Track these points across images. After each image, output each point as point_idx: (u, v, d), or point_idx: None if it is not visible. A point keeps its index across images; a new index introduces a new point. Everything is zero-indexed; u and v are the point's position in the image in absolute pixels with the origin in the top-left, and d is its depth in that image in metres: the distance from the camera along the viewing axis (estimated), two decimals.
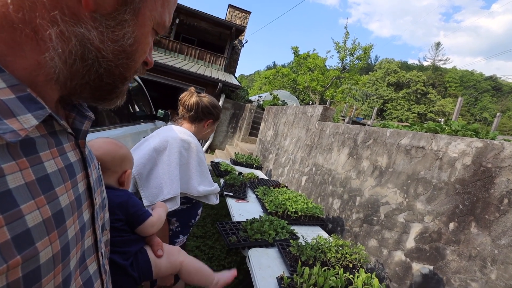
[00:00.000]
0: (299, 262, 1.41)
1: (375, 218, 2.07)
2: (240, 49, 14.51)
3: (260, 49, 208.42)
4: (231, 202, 2.46)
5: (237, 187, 2.81)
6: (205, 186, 1.19)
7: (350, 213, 2.36)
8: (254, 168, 4.13)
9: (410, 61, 60.22)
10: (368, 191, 2.22)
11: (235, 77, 12.40)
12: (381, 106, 36.80)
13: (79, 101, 0.37)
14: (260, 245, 1.69)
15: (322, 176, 3.01)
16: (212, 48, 12.44)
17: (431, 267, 1.55)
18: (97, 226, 0.40)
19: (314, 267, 1.36)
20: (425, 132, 2.04)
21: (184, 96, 1.25)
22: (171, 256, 0.79)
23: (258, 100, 12.27)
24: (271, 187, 2.93)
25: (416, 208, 1.75)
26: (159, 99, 11.30)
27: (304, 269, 1.33)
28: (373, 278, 1.39)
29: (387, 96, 38.05)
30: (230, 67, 13.85)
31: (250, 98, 12.63)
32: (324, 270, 1.36)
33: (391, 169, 2.05)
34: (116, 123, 2.26)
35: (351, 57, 10.07)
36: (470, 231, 1.41)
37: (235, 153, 4.38)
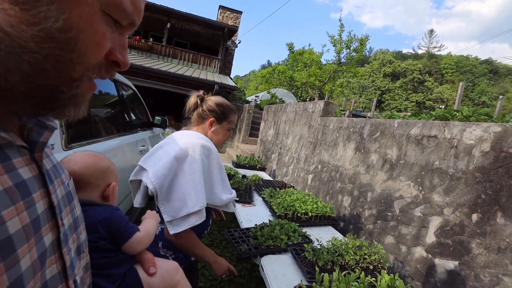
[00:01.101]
0: (317, 268, 1.32)
1: (389, 214, 1.98)
2: (234, 50, 14.44)
3: (253, 49, 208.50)
4: (238, 208, 2.37)
5: (242, 191, 2.72)
6: (227, 194, 1.12)
7: (362, 210, 2.27)
8: (258, 170, 4.04)
9: (404, 51, 60.16)
10: (380, 186, 2.13)
11: (231, 78, 12.32)
12: (379, 98, 36.72)
13: (22, 111, 0.29)
14: (273, 251, 1.60)
15: (329, 173, 2.92)
16: (205, 50, 12.36)
17: (456, 263, 1.46)
18: (65, 250, 0.34)
19: (333, 272, 1.27)
20: (435, 120, 1.94)
21: (188, 100, 1.20)
22: (166, 274, 0.71)
23: (255, 100, 12.19)
24: (277, 188, 2.84)
25: (433, 200, 1.66)
26: (156, 106, 11.24)
27: (323, 275, 1.24)
28: (397, 279, 1.30)
29: (384, 87, 37.98)
30: (225, 69, 13.78)
31: (247, 98, 12.53)
32: (344, 275, 1.27)
33: (403, 161, 1.96)
34: (113, 133, 2.17)
35: (348, 50, 9.97)
36: (497, 222, 1.32)
37: (237, 155, 4.30)
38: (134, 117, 3.25)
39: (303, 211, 2.07)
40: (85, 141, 1.57)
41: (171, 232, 0.92)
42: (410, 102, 35.67)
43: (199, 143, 1.02)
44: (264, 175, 3.87)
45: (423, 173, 1.77)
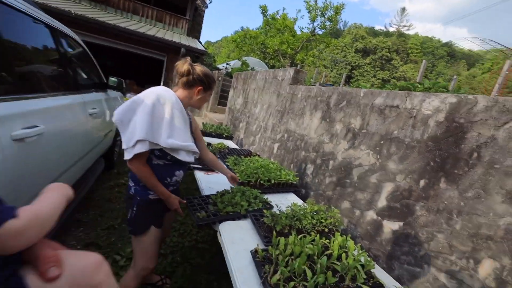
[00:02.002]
0: (274, 232, 1.33)
1: (348, 181, 2.05)
2: (204, 11, 13.24)
3: (226, 14, 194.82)
4: (200, 175, 2.29)
5: None
6: (176, 140, 1.23)
7: (323, 178, 2.34)
8: (224, 138, 3.94)
9: (377, 27, 61.01)
10: (341, 154, 2.18)
11: (200, 42, 11.45)
12: (349, 73, 37.61)
13: None
14: (232, 218, 1.58)
15: (294, 142, 2.93)
16: (172, 9, 11.13)
17: (401, 223, 1.58)
18: None
19: (290, 236, 1.28)
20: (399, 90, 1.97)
21: (179, 64, 1.32)
22: (80, 275, 0.52)
23: (226, 68, 11.60)
24: (242, 157, 2.79)
25: (388, 168, 1.73)
26: (115, 69, 10.15)
27: (279, 239, 1.25)
28: (349, 240, 1.37)
29: (355, 62, 38.80)
30: (194, 31, 12.70)
31: (217, 66, 11.86)
32: (300, 239, 1.29)
33: (365, 130, 1.99)
34: (58, 91, 1.86)
35: (322, 18, 9.68)
36: (439, 187, 1.42)
37: (203, 123, 4.11)
38: (82, 76, 2.84)
39: (266, 178, 2.06)
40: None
41: (125, 157, 1.17)
42: (376, 79, 37.19)
43: (158, 92, 1.20)
44: (231, 144, 3.78)
45: (382, 142, 1.82)
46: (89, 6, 8.94)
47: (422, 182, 1.51)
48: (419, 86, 1.89)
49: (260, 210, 1.66)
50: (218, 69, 10.31)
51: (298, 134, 2.89)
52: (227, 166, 2.53)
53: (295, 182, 2.27)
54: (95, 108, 2.51)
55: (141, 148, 1.14)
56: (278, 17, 10.37)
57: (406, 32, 52.85)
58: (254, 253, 1.21)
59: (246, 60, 10.17)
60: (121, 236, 2.46)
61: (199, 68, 1.34)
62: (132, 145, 1.14)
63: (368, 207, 1.83)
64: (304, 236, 1.33)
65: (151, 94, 1.19)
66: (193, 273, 2.10)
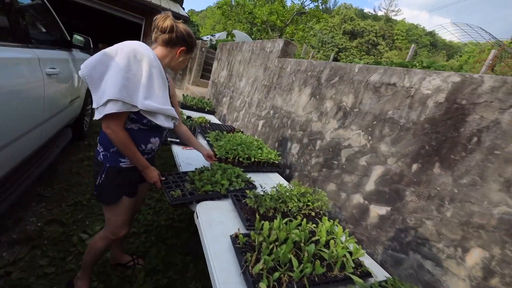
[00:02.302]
0: (257, 215, 1.20)
1: (335, 162, 1.96)
2: None
3: None
4: (177, 150, 2.09)
5: None
6: (153, 102, 1.11)
7: (309, 158, 2.23)
8: (206, 113, 3.69)
9: (366, 10, 60.14)
10: (330, 134, 2.06)
11: (183, 9, 10.53)
12: (336, 55, 37.31)
13: None
14: (211, 197, 1.43)
15: (280, 120, 2.77)
16: None
17: (389, 208, 1.52)
18: None
19: (275, 220, 1.16)
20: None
21: (159, 17, 1.18)
22: None
23: (211, 40, 10.87)
24: (225, 132, 2.60)
25: (379, 150, 1.64)
26: (86, 30, 9.13)
27: (263, 224, 1.12)
28: (337, 226, 1.28)
29: (342, 44, 38.39)
30: None
31: (202, 37, 11.07)
32: (286, 223, 1.18)
33: (357, 109, 1.87)
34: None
35: None
36: (433, 172, 1.34)
37: (183, 95, 3.81)
38: (37, 29, 2.42)
39: (246, 155, 1.91)
40: None
41: (95, 117, 1.04)
42: (363, 63, 37.22)
43: (133, 47, 1.05)
44: (213, 119, 3.56)
45: (375, 122, 1.71)
46: None
47: (414, 167, 1.43)
48: (417, 64, 1.76)
49: (242, 190, 1.53)
50: (202, 40, 9.62)
51: (285, 111, 2.73)
52: (208, 141, 2.34)
53: (276, 162, 2.15)
54: (54, 68, 2.15)
55: (112, 108, 1.01)
56: None
57: (394, 18, 52.65)
58: (235, 238, 1.09)
59: (232, 31, 9.55)
60: (90, 213, 2.25)
61: (182, 26, 1.21)
62: (102, 103, 1.01)
63: (355, 190, 1.76)
64: (290, 221, 1.21)
65: (126, 48, 1.04)
66: (168, 254, 1.97)
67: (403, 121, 1.54)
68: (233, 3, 10.47)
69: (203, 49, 7.75)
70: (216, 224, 1.24)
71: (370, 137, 1.73)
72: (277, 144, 2.74)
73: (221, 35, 12.70)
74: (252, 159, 1.95)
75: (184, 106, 3.54)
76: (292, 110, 2.60)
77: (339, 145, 1.96)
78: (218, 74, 5.17)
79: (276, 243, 1.05)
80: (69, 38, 2.83)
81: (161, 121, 1.17)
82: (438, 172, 1.32)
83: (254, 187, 1.64)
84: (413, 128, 1.48)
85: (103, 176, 1.16)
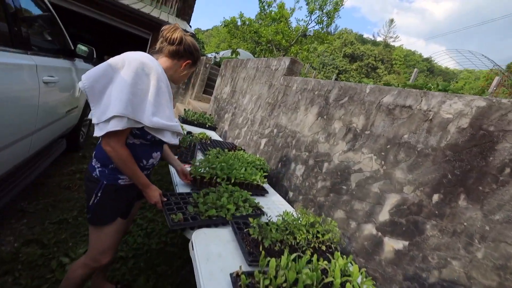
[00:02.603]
0: (262, 250, 1.04)
1: (344, 187, 1.82)
2: None
3: (219, 3, 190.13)
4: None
5: (183, 149, 2.28)
6: (161, 119, 1.04)
7: (315, 181, 2.09)
8: (207, 128, 3.59)
9: (365, 35, 62.41)
10: (338, 157, 1.94)
11: (190, 26, 10.81)
12: (337, 77, 38.17)
13: None
14: (215, 223, 1.28)
15: (284, 139, 2.66)
16: None
17: (406, 243, 1.36)
18: None
19: (282, 256, 1.00)
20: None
21: (167, 28, 1.12)
22: None
23: (215, 57, 11.07)
24: (226, 150, 2.48)
25: (394, 177, 1.51)
26: (94, 42, 9.29)
27: (269, 261, 0.96)
28: (351, 263, 1.12)
29: (342, 67, 39.42)
30: (184, 14, 11.98)
31: (206, 54, 11.28)
32: (294, 260, 1.02)
33: (368, 131, 1.76)
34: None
35: (320, 12, 9.42)
36: (458, 204, 1.21)
37: (184, 109, 3.73)
38: (39, 36, 2.36)
39: (224, 176, 1.70)
40: None
41: (95, 134, 0.96)
42: None
43: (141, 60, 0.98)
44: (214, 135, 3.45)
45: (388, 146, 1.59)
46: None
47: (435, 197, 1.30)
48: (433, 87, 1.68)
49: (244, 217, 1.37)
50: (207, 56, 9.77)
51: (289, 130, 2.63)
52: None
53: (261, 185, 1.90)
54: (52, 76, 2.06)
55: (116, 125, 0.94)
56: (275, 6, 9.93)
57: (392, 43, 54.55)
58: (235, 277, 0.92)
59: (236, 49, 9.72)
60: (75, 233, 2.06)
61: (190, 39, 1.17)
62: (105, 119, 0.93)
63: (366, 219, 1.60)
64: (299, 257, 1.06)
65: (133, 61, 0.96)
66: (157, 283, 1.77)
67: (420, 146, 1.42)
68: (239, 23, 10.77)
69: (207, 65, 7.82)
70: (214, 257, 1.08)
71: (383, 162, 1.60)
72: (280, 165, 2.60)
73: (225, 53, 12.96)
74: (233, 180, 1.71)
75: (185, 121, 3.44)
76: (297, 130, 2.49)
77: (348, 169, 1.83)
78: (221, 90, 5.13)
79: (284, 286, 0.89)
80: (72, 48, 2.78)
81: (168, 138, 1.11)
82: (465, 205, 1.19)
83: (262, 213, 1.49)
84: (432, 154, 1.36)
85: (99, 194, 1.06)
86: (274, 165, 2.70)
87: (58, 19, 2.60)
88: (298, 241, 1.19)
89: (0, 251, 1.70)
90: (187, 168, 1.73)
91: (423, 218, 1.32)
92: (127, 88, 0.94)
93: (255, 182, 1.81)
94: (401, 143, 1.53)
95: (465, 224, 1.17)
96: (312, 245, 1.21)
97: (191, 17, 12.78)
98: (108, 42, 11.00)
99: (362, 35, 60.32)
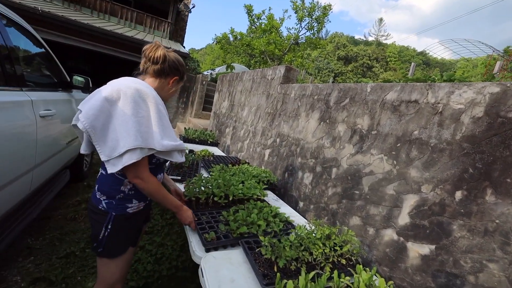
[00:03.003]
0: (277, 271, 0.95)
1: (356, 192, 1.72)
2: (187, 15, 12.89)
3: (211, 21, 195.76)
4: (179, 187, 1.88)
5: (186, 168, 2.22)
6: (169, 141, 1.04)
7: (325, 188, 2.00)
8: (209, 145, 3.55)
9: (356, 37, 63.22)
10: (347, 161, 1.86)
11: (183, 47, 11.04)
12: (333, 80, 38.38)
13: None
14: (248, 241, 1.23)
15: (288, 148, 2.59)
16: (153, 12, 10.69)
17: (433, 247, 1.25)
18: None
19: (300, 277, 0.91)
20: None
21: (148, 48, 1.10)
22: None
23: (211, 74, 11.22)
24: (230, 165, 2.42)
25: (409, 176, 1.42)
26: (93, 73, 9.51)
27: (286, 283, 0.88)
28: (376, 276, 1.02)
29: (338, 69, 39.70)
30: (177, 36, 12.29)
31: (202, 72, 11.47)
32: (313, 279, 0.93)
33: (375, 131, 1.69)
34: None
35: (310, 18, 9.54)
36: (485, 200, 1.11)
37: (185, 128, 3.70)
38: (33, 72, 2.38)
39: (222, 194, 1.60)
40: None
41: (109, 171, 0.94)
42: None
43: (135, 86, 0.97)
44: (217, 151, 3.40)
45: (398, 145, 1.51)
46: (61, 5, 8.33)
47: (458, 194, 1.20)
48: (437, 78, 1.62)
49: (255, 236, 1.29)
50: (203, 74, 9.91)
51: (292, 139, 2.56)
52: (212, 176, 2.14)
53: (262, 198, 1.80)
54: (49, 109, 2.05)
55: (131, 158, 0.94)
56: (264, 17, 10.11)
57: (384, 42, 55.02)
58: None
59: (232, 63, 9.84)
60: (83, 266, 1.99)
61: (173, 55, 1.16)
62: (117, 155, 0.93)
63: (385, 224, 1.50)
64: (318, 275, 0.96)
65: (128, 90, 0.95)
66: None
67: (434, 142, 1.34)
68: (231, 38, 10.97)
69: (204, 82, 7.90)
70: (226, 283, 0.99)
71: (395, 162, 1.52)
72: (287, 174, 2.52)
73: (221, 69, 13.15)
74: (231, 198, 1.62)
75: (187, 139, 3.41)
76: (300, 137, 2.43)
77: (358, 172, 1.75)
78: (220, 105, 5.13)
79: None
80: (69, 80, 2.81)
81: (176, 157, 1.11)
82: (493, 200, 1.09)
83: (293, 227, 1.44)
84: (448, 148, 1.28)
85: (109, 226, 1.04)
86: (280, 175, 2.62)
87: (52, 54, 2.64)
88: (315, 256, 1.10)
89: None
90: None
91: (448, 218, 1.22)
92: (131, 119, 0.93)
93: (255, 196, 1.73)
94: (412, 140, 1.45)
95: (497, 221, 1.07)
96: (330, 259, 1.11)
97: (184, 38, 13.11)
98: (105, 71, 11.27)
99: (354, 37, 61.10)
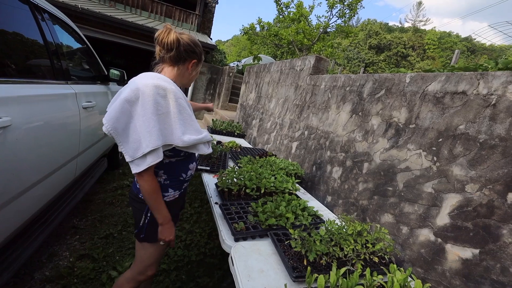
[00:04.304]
0: (307, 264, 0.95)
1: (390, 188, 1.64)
2: (214, 7, 12.94)
3: (237, 12, 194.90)
4: (208, 179, 1.94)
5: (214, 159, 2.28)
6: (191, 135, 1.02)
7: (355, 183, 1.94)
8: (236, 136, 3.59)
9: (390, 23, 59.01)
10: (380, 155, 1.77)
11: (210, 38, 11.15)
12: (364, 71, 36.47)
13: None
14: (276, 233, 1.25)
15: (317, 141, 2.53)
16: (181, 4, 10.90)
17: (477, 251, 1.16)
18: None
19: (330, 272, 0.90)
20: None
21: (160, 34, 1.04)
22: None
23: (237, 65, 11.24)
24: (257, 157, 2.43)
25: (451, 174, 1.32)
26: (127, 67, 10.04)
27: (316, 278, 0.87)
28: (412, 277, 0.97)
29: (369, 59, 37.58)
30: (204, 28, 12.43)
31: (229, 64, 11.53)
32: (345, 275, 0.91)
33: (413, 125, 1.58)
34: (36, 78, 1.56)
35: (342, 5, 9.04)
36: None
37: (213, 119, 3.78)
38: (75, 66, 2.56)
39: (254, 186, 1.62)
40: None
41: (133, 171, 0.94)
42: None
43: (152, 83, 0.94)
44: (243, 143, 3.43)
45: (440, 140, 1.40)
46: (97, 2, 8.82)
47: (511, 196, 1.09)
48: (490, 66, 1.45)
49: (283, 228, 1.30)
50: (229, 66, 9.98)
51: (321, 131, 2.49)
52: (240, 168, 2.18)
53: (294, 192, 1.78)
54: (90, 101, 2.21)
55: (154, 159, 0.93)
56: (293, 6, 9.72)
57: (422, 28, 50.70)
58: None
59: (258, 55, 9.74)
60: (120, 247, 2.16)
61: (186, 37, 1.08)
62: (140, 155, 0.91)
63: (421, 223, 1.42)
64: (350, 271, 0.94)
65: (147, 88, 0.92)
66: None
67: (483, 137, 1.22)
68: (258, 29, 10.81)
69: (231, 74, 7.95)
70: (256, 274, 1.01)
71: (435, 158, 1.41)
72: (315, 168, 2.48)
73: (247, 60, 13.10)
74: (262, 190, 1.63)
75: (214, 131, 3.48)
76: (330, 130, 2.35)
77: (393, 168, 1.66)
78: (247, 97, 5.14)
79: None
80: (106, 73, 2.98)
81: (202, 150, 1.10)
82: None
83: (322, 222, 1.43)
84: (501, 145, 1.15)
85: (148, 214, 1.07)
86: (308, 169, 2.58)
87: (92, 49, 2.81)
88: (346, 252, 1.07)
89: (59, 266, 1.83)
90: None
91: (497, 221, 1.12)
92: (152, 118, 0.91)
93: (287, 191, 1.72)
94: (457, 135, 1.33)
95: None
96: (362, 256, 1.08)
97: (211, 30, 13.23)
98: (138, 63, 11.81)
99: (387, 24, 57.09)
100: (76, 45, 2.52)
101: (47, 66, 1.75)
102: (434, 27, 51.28)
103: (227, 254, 1.19)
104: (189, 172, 1.17)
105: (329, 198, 2.19)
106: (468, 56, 43.05)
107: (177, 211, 1.23)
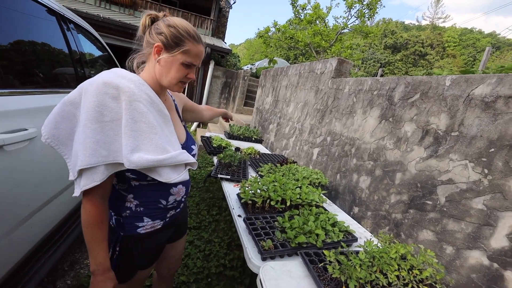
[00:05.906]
0: None
1: (429, 202, 1.49)
2: (228, 11, 13.03)
3: (250, 16, 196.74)
4: (228, 188, 1.86)
5: (235, 167, 2.20)
6: (146, 154, 0.73)
7: (386, 194, 1.79)
8: (254, 142, 3.51)
9: (407, 22, 57.29)
10: (416, 165, 1.62)
11: (225, 43, 11.22)
12: (382, 72, 35.53)
13: None
14: (307, 252, 1.15)
15: (341, 147, 2.40)
16: (196, 10, 11.05)
17: None
18: None
19: None
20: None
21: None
22: None
23: (251, 68, 11.22)
24: (278, 164, 2.33)
25: (509, 189, 1.16)
26: None
27: None
28: None
29: (384, 59, 36.57)
30: (218, 32, 12.53)
31: (242, 67, 11.54)
32: None
33: (456, 133, 1.42)
34: (58, 88, 1.56)
35: (361, 5, 8.80)
36: None
37: (230, 124, 3.72)
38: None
39: (279, 198, 1.51)
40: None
41: (74, 194, 0.72)
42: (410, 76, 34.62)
43: (102, 80, 0.70)
44: (261, 148, 3.34)
45: (492, 150, 1.25)
46: (117, 11, 9.10)
47: None
48: None
49: (314, 246, 1.19)
50: (243, 69, 9.98)
51: (346, 138, 2.36)
52: (261, 177, 2.09)
53: (321, 204, 1.65)
54: None
55: (90, 181, 0.69)
56: (309, 7, 9.59)
57: (441, 25, 48.77)
58: None
59: (274, 57, 9.66)
60: None
61: (168, 19, 0.82)
62: (77, 175, 0.70)
63: (470, 244, 1.26)
64: None
65: (90, 86, 0.70)
66: None
67: None
68: (273, 31, 10.74)
69: (245, 77, 7.92)
70: None
71: (486, 171, 1.26)
72: (339, 176, 2.34)
73: (260, 63, 13.07)
74: (288, 203, 1.51)
75: (231, 136, 3.42)
76: (356, 136, 2.22)
77: (432, 180, 1.51)
78: (263, 101, 5.06)
79: None
80: None
81: (167, 176, 0.79)
82: None
83: (355, 239, 1.31)
84: None
85: (117, 248, 0.84)
86: (331, 177, 2.45)
87: (113, 56, 2.84)
88: (390, 280, 0.95)
89: (80, 275, 1.81)
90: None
91: None
92: (90, 126, 0.68)
93: (313, 203, 1.60)
94: None
95: None
96: (410, 286, 0.95)
97: (225, 35, 13.32)
98: None
99: (403, 22, 55.43)
100: (98, 53, 2.55)
101: (71, 75, 1.75)
102: (454, 24, 49.21)
103: (247, 267, 1.11)
104: (171, 198, 0.89)
105: (356, 209, 2.05)
106: (493, 53, 40.87)
107: (160, 244, 0.98)
